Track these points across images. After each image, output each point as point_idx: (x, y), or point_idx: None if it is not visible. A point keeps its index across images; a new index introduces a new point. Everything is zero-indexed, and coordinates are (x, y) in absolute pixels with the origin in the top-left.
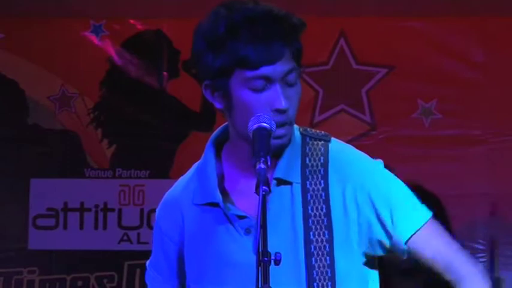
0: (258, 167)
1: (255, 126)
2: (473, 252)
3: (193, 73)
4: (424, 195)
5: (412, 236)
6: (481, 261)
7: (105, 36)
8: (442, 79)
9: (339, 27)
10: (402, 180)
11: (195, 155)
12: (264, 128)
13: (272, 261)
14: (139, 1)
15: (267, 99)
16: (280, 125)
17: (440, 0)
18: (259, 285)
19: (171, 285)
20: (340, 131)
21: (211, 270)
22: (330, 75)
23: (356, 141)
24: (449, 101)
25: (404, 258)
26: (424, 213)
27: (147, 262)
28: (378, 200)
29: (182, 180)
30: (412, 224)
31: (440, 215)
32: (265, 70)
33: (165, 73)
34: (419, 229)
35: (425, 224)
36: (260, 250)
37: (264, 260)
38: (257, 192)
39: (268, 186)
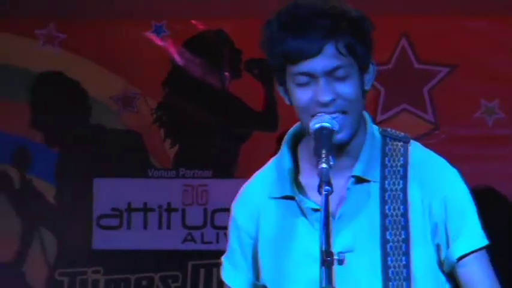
0: (320, 167)
1: (316, 126)
2: None
3: (255, 73)
4: (496, 198)
5: (466, 254)
6: None
7: (167, 37)
8: (505, 78)
9: (400, 26)
10: (469, 181)
11: (259, 155)
12: (325, 128)
13: (336, 261)
14: (200, 1)
15: (312, 94)
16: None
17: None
18: (323, 286)
19: (246, 280)
20: (403, 131)
21: (286, 264)
22: (391, 74)
23: (419, 141)
24: None
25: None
26: (483, 238)
27: (223, 257)
28: (452, 208)
29: (258, 174)
30: (471, 243)
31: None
32: (305, 65)
33: (226, 73)
34: (474, 251)
35: (480, 248)
36: (323, 249)
37: (328, 259)
38: (320, 192)
39: (331, 186)
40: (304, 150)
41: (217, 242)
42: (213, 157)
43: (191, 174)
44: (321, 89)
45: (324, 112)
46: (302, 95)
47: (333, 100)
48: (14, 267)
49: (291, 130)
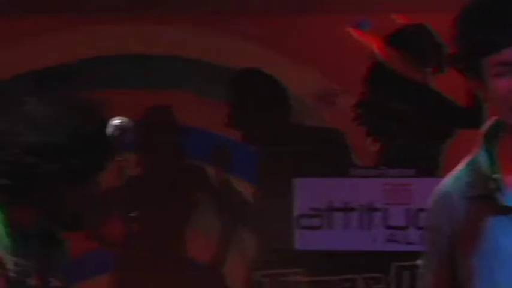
0: None
1: None
2: None
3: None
4: None
5: None
6: None
7: (369, 32)
8: None
9: None
10: None
11: (464, 153)
12: None
13: None
14: None
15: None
16: None
17: None
18: None
19: (442, 282)
20: None
21: (484, 265)
22: None
23: None
24: None
25: None
26: None
27: (420, 260)
28: None
29: (453, 174)
30: None
31: None
32: (507, 54)
33: (431, 68)
34: None
35: None
36: None
37: None
38: None
39: None
40: (505, 146)
41: (422, 243)
42: (416, 155)
43: (393, 173)
44: None
45: None
46: (502, 86)
47: None
48: (213, 268)
49: (486, 125)
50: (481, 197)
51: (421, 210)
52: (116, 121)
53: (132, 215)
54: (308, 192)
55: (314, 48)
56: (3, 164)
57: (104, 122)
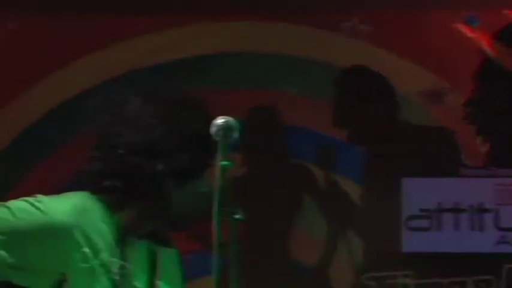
0: None
1: None
2: None
3: None
4: None
5: None
6: None
7: (479, 28)
8: None
9: None
10: None
11: None
12: None
13: None
14: None
15: None
16: None
17: None
18: None
19: None
20: None
21: None
22: None
23: None
24: None
25: None
26: None
27: None
28: None
29: None
30: None
31: None
32: None
33: None
34: None
35: None
36: None
37: None
38: None
39: None
40: None
41: None
42: None
43: (505, 173)
44: None
45: None
46: None
47: None
48: (319, 271)
49: None
50: None
51: None
52: (220, 120)
53: (236, 216)
54: (417, 193)
55: (422, 45)
56: (108, 165)
57: (209, 121)
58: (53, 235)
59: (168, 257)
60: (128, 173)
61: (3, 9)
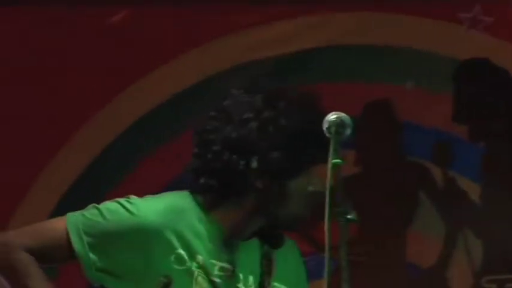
0: None
1: None
2: None
3: None
4: None
5: None
6: None
7: None
8: None
9: None
10: None
11: None
12: None
13: None
14: None
15: None
16: None
17: None
18: None
19: None
20: None
21: None
22: None
23: None
24: None
25: None
26: None
27: None
28: None
29: None
30: None
31: None
32: None
33: None
34: None
35: None
36: None
37: None
38: None
39: None
40: None
41: None
42: None
43: None
44: None
45: None
46: None
47: None
48: (437, 273)
49: None
50: None
51: None
52: (333, 116)
53: (349, 216)
54: None
55: None
56: (204, 163)
57: (321, 117)
58: (141, 236)
59: (285, 257)
60: (222, 171)
61: (108, 3)
